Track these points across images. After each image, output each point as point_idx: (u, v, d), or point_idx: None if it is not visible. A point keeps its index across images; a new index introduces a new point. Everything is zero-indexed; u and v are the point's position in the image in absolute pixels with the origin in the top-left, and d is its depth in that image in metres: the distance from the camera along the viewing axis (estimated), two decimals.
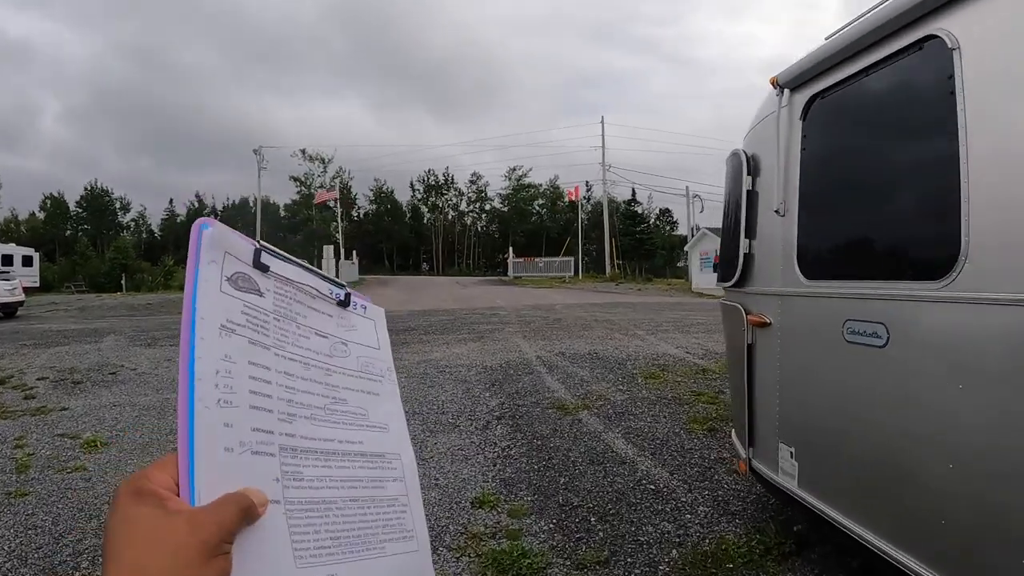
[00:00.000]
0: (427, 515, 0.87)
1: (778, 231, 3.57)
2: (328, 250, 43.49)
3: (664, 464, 5.80)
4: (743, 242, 3.90)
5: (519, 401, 8.34)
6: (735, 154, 4.19)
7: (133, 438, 6.93)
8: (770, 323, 3.65)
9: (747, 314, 3.88)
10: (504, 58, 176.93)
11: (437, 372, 10.52)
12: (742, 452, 4.27)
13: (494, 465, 5.88)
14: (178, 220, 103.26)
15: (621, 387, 9.04)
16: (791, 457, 3.56)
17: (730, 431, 6.39)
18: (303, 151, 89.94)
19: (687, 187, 57.98)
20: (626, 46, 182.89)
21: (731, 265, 4.10)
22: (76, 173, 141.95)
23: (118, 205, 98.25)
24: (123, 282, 53.18)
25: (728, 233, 4.29)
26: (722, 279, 4.39)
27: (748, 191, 3.93)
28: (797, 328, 3.44)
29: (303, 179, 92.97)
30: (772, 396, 3.71)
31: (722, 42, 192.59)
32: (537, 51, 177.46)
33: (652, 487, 5.24)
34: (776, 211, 3.52)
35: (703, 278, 40.80)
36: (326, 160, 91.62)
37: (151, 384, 9.89)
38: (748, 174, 3.95)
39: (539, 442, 6.54)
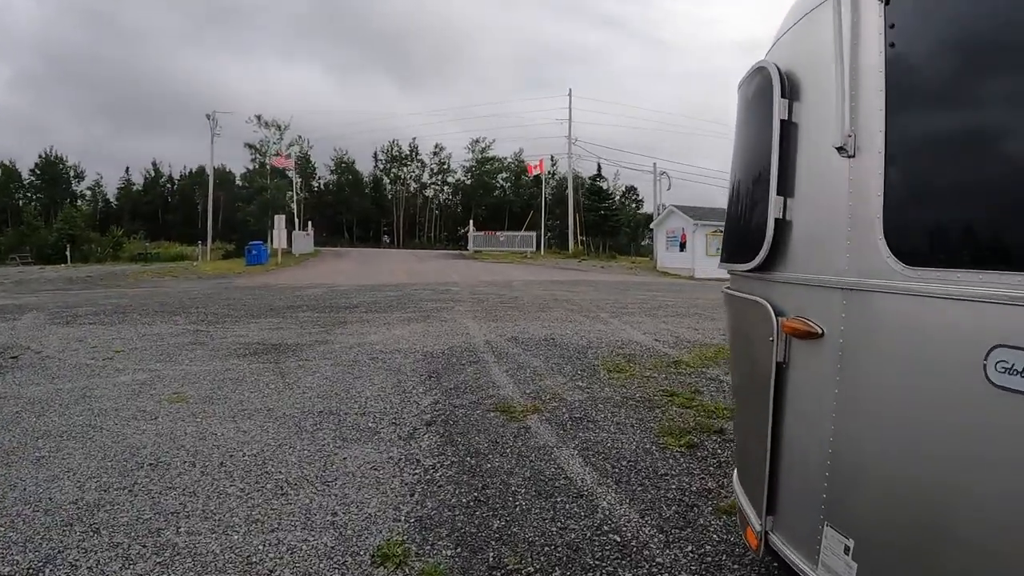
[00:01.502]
0: None
1: (841, 183, 2.17)
2: (280, 220, 41.47)
3: (632, 498, 4.41)
4: (774, 202, 2.48)
5: (457, 400, 6.92)
6: (759, 70, 2.76)
7: None
8: (822, 333, 2.25)
9: (779, 316, 2.47)
10: (467, 28, 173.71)
11: (369, 359, 9.07)
12: (753, 518, 2.87)
13: (412, 495, 4.46)
14: (134, 188, 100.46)
15: (580, 382, 7.67)
16: (845, 553, 2.18)
17: (727, 468, 5.06)
18: (258, 117, 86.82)
19: (654, 164, 56.69)
20: (592, 21, 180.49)
21: (748, 239, 2.71)
22: (29, 141, 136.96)
23: (72, 174, 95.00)
24: (68, 253, 50.85)
25: (742, 191, 2.90)
26: (731, 259, 2.99)
27: (782, 122, 2.51)
28: (879, 347, 2.04)
29: (258, 146, 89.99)
30: (817, 450, 2.33)
31: (689, 21, 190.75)
32: (501, 22, 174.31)
33: (617, 538, 3.85)
34: (840, 149, 2.11)
35: (669, 257, 39.74)
36: (282, 127, 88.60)
37: (49, 371, 8.37)
38: (783, 96, 2.53)
39: (473, 461, 5.13)
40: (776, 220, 2.47)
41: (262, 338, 10.86)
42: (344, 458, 5.21)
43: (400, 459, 5.18)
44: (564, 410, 6.52)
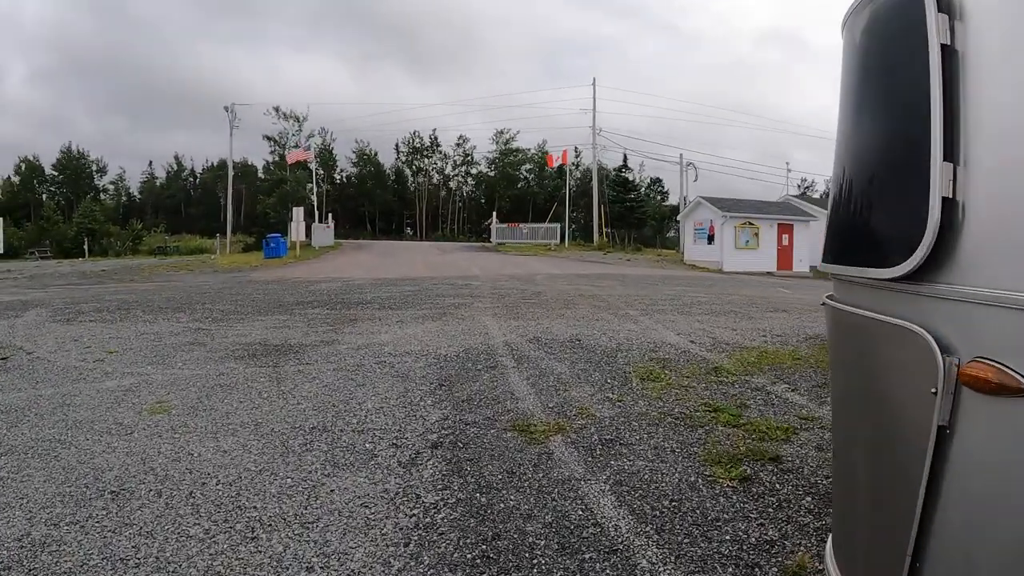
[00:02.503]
0: None
1: None
2: (298, 212, 40.65)
3: (679, 554, 3.53)
4: (940, 173, 1.57)
5: (469, 415, 6.07)
6: None
7: None
8: None
9: (946, 355, 1.56)
10: (488, 17, 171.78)
11: (376, 363, 8.25)
12: None
13: (406, 544, 3.62)
14: (157, 183, 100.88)
15: (610, 393, 6.78)
16: None
17: (789, 510, 4.15)
18: (276, 109, 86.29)
19: (680, 154, 55.49)
20: (616, 9, 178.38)
21: (884, 229, 1.84)
22: (50, 136, 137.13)
23: (95, 168, 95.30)
24: (85, 247, 50.72)
25: (867, 161, 2.01)
26: (847, 258, 2.13)
27: (944, 47, 1.60)
28: None
29: (277, 138, 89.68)
30: (1001, 558, 1.43)
31: (714, 9, 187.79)
32: (522, 12, 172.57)
33: None
34: None
35: (697, 250, 38.61)
36: (301, 118, 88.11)
37: (36, 374, 7.72)
38: (940, 10, 1.62)
39: (484, 498, 4.27)
40: (944, 200, 1.56)
41: (265, 338, 10.09)
42: (332, 490, 4.40)
43: (397, 493, 4.35)
44: (592, 429, 5.64)
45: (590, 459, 4.95)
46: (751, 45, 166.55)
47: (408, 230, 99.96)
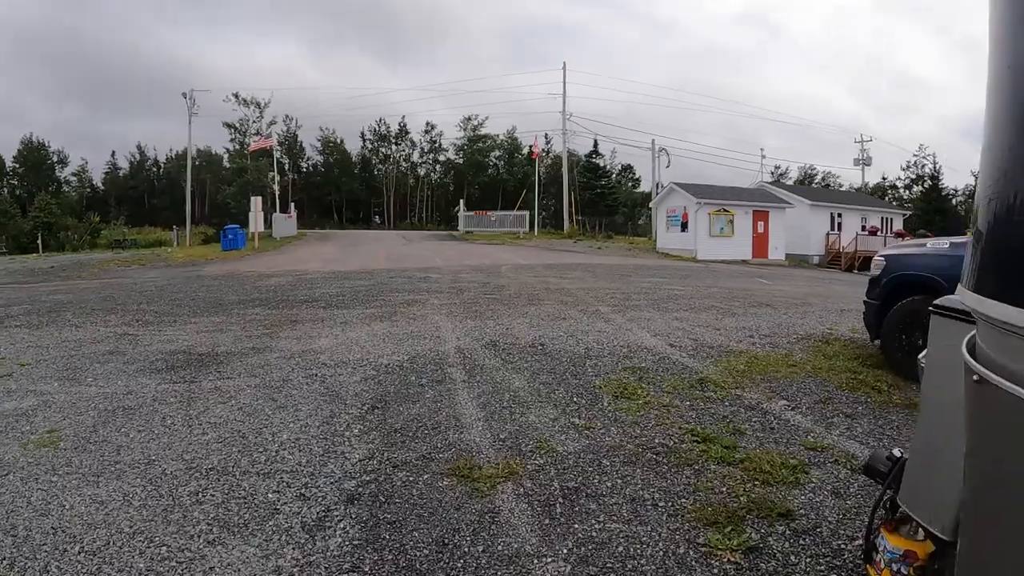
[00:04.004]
0: None
1: None
2: (256, 202, 38.68)
3: None
4: None
5: (400, 452, 4.88)
6: None
7: None
8: None
9: None
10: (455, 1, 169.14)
11: (305, 377, 7.03)
12: None
13: None
14: (120, 173, 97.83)
15: (576, 417, 5.62)
16: None
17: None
18: (236, 95, 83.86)
19: (653, 140, 54.55)
20: None
21: None
22: (9, 128, 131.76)
23: (55, 159, 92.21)
24: (39, 243, 48.70)
25: None
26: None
27: None
28: None
29: (237, 125, 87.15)
30: None
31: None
32: None
33: None
34: None
35: (670, 238, 37.67)
36: (262, 105, 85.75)
37: None
38: None
39: None
40: None
41: (191, 344, 8.81)
42: (211, 568, 3.28)
43: None
44: (552, 471, 4.47)
45: (547, 521, 3.78)
46: (725, 31, 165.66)
47: (376, 219, 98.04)
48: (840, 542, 3.53)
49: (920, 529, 2.51)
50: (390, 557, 3.43)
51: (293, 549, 3.50)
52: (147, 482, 4.35)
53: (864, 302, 7.95)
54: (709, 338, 8.99)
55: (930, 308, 2.36)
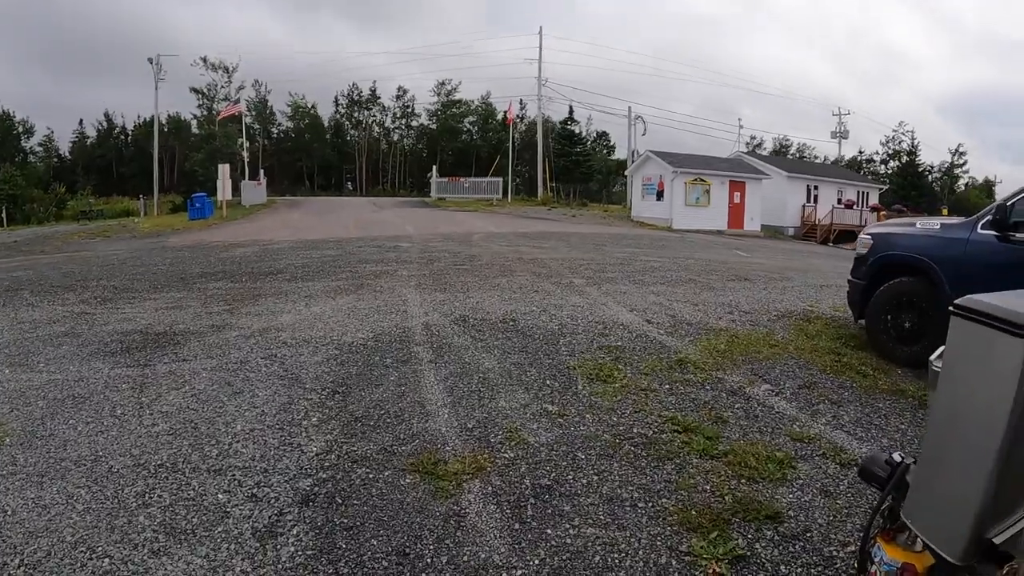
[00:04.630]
0: None
1: None
2: (224, 169, 37.59)
3: None
4: None
5: (361, 444, 4.53)
6: None
7: None
8: None
9: None
10: None
11: (264, 358, 6.64)
12: None
13: None
14: (88, 142, 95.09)
15: (549, 402, 5.30)
16: None
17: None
18: (204, 59, 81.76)
19: (629, 107, 54.06)
20: None
21: None
22: None
23: (20, 129, 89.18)
24: (3, 216, 47.35)
25: None
26: None
27: None
28: None
29: (205, 91, 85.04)
30: None
31: None
32: None
33: None
34: None
35: (645, 206, 37.37)
36: (230, 69, 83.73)
37: None
38: None
39: None
40: None
41: (150, 323, 8.35)
42: None
43: None
44: (524, 466, 4.15)
45: (517, 526, 3.46)
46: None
47: (348, 185, 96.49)
48: (832, 548, 3.26)
49: (919, 539, 2.24)
50: (346, 570, 3.11)
51: (242, 560, 3.18)
52: (92, 482, 4.00)
53: (849, 281, 7.68)
54: (687, 314, 8.70)
55: (951, 309, 2.05)
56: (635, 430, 4.71)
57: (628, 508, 3.62)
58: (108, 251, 19.82)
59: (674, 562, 3.12)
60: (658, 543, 3.28)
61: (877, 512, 2.51)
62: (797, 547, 3.25)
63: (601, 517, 3.53)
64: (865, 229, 8.18)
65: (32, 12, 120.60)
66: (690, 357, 6.52)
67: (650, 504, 3.66)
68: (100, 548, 3.27)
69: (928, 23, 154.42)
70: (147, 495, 3.82)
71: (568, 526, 3.44)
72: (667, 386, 5.68)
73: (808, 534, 3.38)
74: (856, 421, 5.02)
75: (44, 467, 4.22)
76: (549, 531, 3.40)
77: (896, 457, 2.50)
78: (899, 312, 6.76)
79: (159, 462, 4.27)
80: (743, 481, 3.91)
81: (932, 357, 2.45)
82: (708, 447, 4.37)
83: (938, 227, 6.76)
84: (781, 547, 3.25)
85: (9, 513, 3.62)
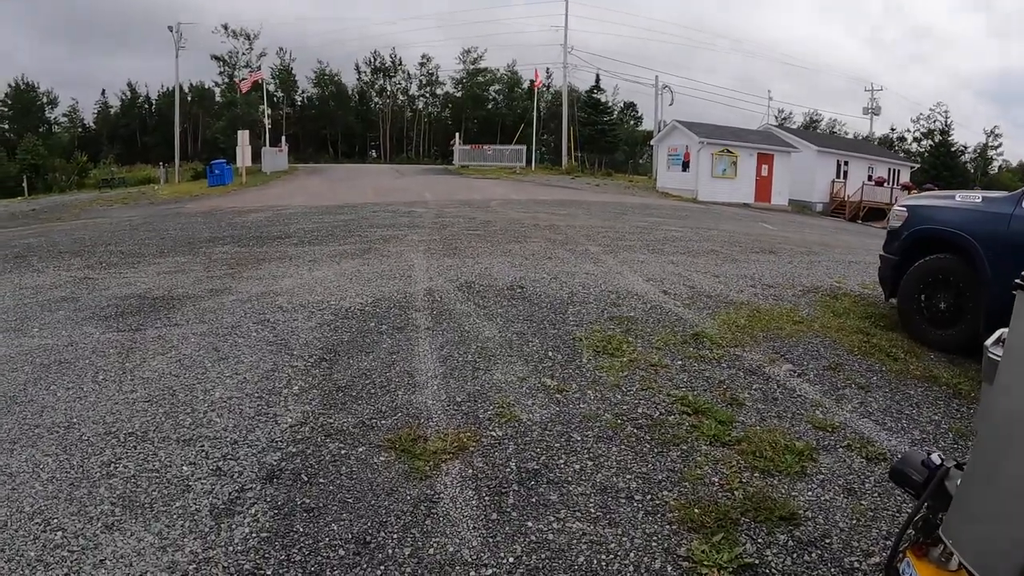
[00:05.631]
0: None
1: None
2: (243, 136, 37.09)
3: None
4: None
5: (337, 417, 4.16)
6: None
7: None
8: None
9: None
10: None
11: (256, 323, 6.31)
12: None
13: None
14: (111, 112, 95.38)
15: (548, 376, 4.87)
16: None
17: None
18: (225, 26, 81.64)
19: (656, 76, 52.94)
20: None
21: None
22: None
23: (44, 100, 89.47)
24: (24, 186, 47.62)
25: None
26: None
27: None
28: None
29: (227, 58, 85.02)
30: None
31: None
32: None
33: None
34: None
35: (670, 177, 36.63)
36: (251, 36, 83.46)
37: None
38: None
39: None
40: None
41: (149, 287, 8.07)
42: (102, 559, 2.76)
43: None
44: (511, 447, 3.74)
45: (495, 516, 3.06)
46: None
47: (372, 153, 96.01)
48: (853, 559, 2.82)
49: (955, 558, 1.90)
50: (298, 558, 2.76)
51: (194, 539, 2.89)
52: (61, 450, 3.76)
53: (880, 256, 7.12)
54: (707, 286, 8.20)
55: (1017, 282, 1.63)
56: (640, 410, 4.27)
57: (623, 501, 3.20)
58: (123, 217, 19.64)
59: (669, 568, 2.71)
60: (653, 544, 2.86)
61: (910, 522, 2.10)
62: (814, 556, 2.82)
63: (591, 510, 3.11)
64: (900, 200, 7.60)
65: None
66: (707, 331, 6.04)
67: (649, 497, 3.23)
68: (55, 520, 3.05)
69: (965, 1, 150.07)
70: (112, 465, 3.57)
71: (552, 519, 3.03)
72: (679, 362, 5.23)
73: (827, 540, 2.94)
74: (885, 409, 4.53)
75: (18, 434, 4.00)
76: (530, 524, 2.99)
77: (935, 459, 2.09)
78: (934, 291, 6.21)
79: (130, 430, 3.99)
80: (756, 474, 3.47)
81: (988, 343, 2.01)
82: (720, 432, 3.92)
83: (979, 200, 6.18)
84: (795, 555, 2.82)
85: None
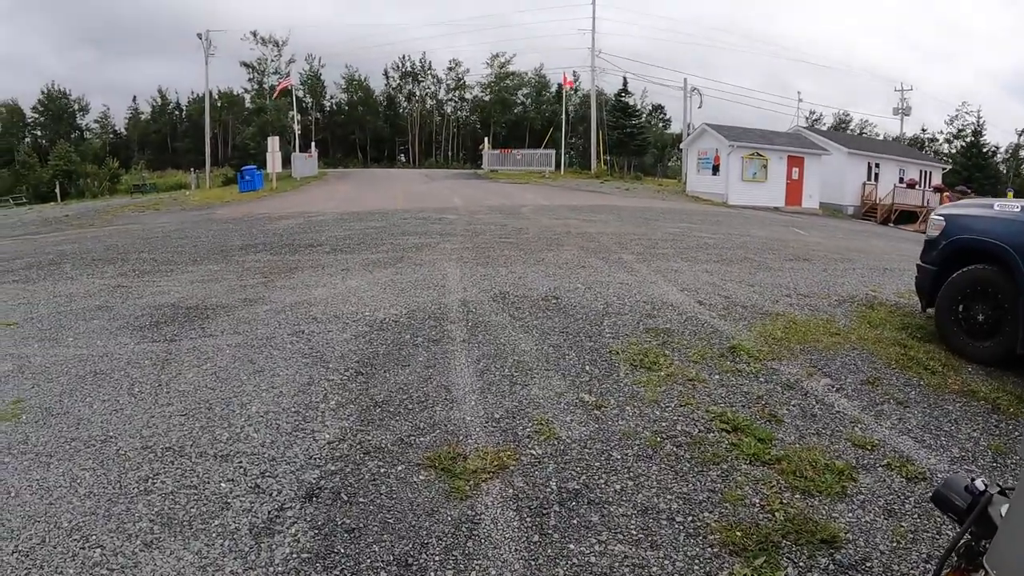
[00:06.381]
0: None
1: None
2: (273, 142, 37.56)
3: None
4: None
5: (376, 433, 4.19)
6: None
7: None
8: None
9: None
10: None
11: (292, 334, 6.37)
12: None
13: None
14: (142, 118, 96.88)
15: (586, 391, 4.87)
16: None
17: None
18: (254, 34, 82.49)
19: (685, 79, 52.68)
20: None
21: None
22: (26, 78, 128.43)
23: (76, 107, 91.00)
24: (57, 192, 48.53)
25: None
26: None
27: None
28: None
29: (256, 65, 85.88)
30: None
31: None
32: None
33: None
34: None
35: (700, 181, 36.34)
36: (280, 43, 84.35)
37: None
38: None
39: None
40: None
41: (182, 296, 8.18)
42: None
43: None
44: (551, 466, 3.75)
45: (537, 537, 3.07)
46: None
47: (401, 157, 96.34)
48: None
49: None
50: None
51: (235, 559, 2.92)
52: (98, 464, 3.82)
53: (918, 266, 7.02)
54: (742, 295, 8.15)
55: None
56: (679, 427, 4.26)
57: (664, 522, 3.20)
58: (155, 224, 19.90)
59: None
60: (695, 568, 2.86)
61: (952, 549, 2.07)
62: None
63: (633, 532, 3.12)
64: (937, 210, 7.48)
65: None
66: (743, 344, 6.01)
67: (690, 518, 3.23)
68: (94, 537, 3.09)
69: None
70: (150, 480, 3.62)
71: (594, 541, 3.04)
72: (717, 376, 5.21)
73: (867, 564, 2.92)
74: (923, 426, 4.48)
75: (54, 447, 4.06)
76: (572, 546, 3.00)
77: (979, 484, 2.06)
78: (972, 303, 6.11)
79: (167, 445, 4.04)
80: (797, 494, 3.45)
81: None
82: (759, 451, 3.90)
83: (1018, 210, 6.08)
84: None
85: (13, 494, 3.48)
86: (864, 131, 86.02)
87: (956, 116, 77.71)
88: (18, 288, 9.29)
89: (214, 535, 3.09)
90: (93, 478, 3.64)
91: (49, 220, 24.97)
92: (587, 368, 5.37)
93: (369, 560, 2.91)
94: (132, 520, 3.21)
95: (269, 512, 3.28)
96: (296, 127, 52.46)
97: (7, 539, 3.06)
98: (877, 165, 40.24)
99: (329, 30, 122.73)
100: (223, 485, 3.55)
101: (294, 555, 2.94)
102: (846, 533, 3.13)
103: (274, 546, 3.01)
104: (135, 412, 4.57)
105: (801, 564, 2.89)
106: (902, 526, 3.22)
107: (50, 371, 5.49)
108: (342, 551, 2.98)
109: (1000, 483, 2.07)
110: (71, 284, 9.39)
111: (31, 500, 3.42)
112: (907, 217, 34.58)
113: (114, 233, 17.50)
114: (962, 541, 2.06)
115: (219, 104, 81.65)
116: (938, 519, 3.20)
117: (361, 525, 3.17)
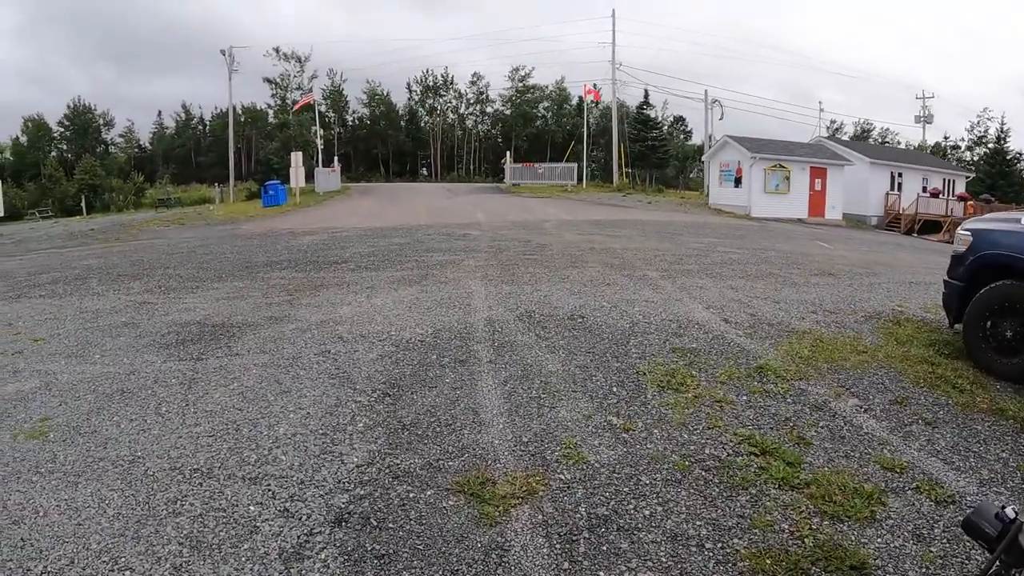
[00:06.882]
0: None
1: None
2: (296, 157, 38.06)
3: None
4: None
5: (404, 457, 4.22)
6: None
7: None
8: None
9: None
10: None
11: (318, 354, 6.43)
12: None
13: None
14: (167, 133, 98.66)
15: (614, 414, 4.88)
16: None
17: None
18: (276, 50, 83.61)
19: (705, 91, 52.62)
20: None
21: None
22: (50, 93, 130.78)
23: (101, 122, 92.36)
24: (83, 205, 49.26)
25: None
26: None
27: None
28: None
29: (279, 81, 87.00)
30: None
31: None
32: None
33: None
34: None
35: (722, 193, 36.17)
36: (303, 59, 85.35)
37: None
38: None
39: None
40: None
41: (208, 314, 8.29)
42: None
43: None
44: (580, 491, 3.76)
45: (567, 564, 3.09)
46: None
47: (423, 171, 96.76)
48: None
49: None
50: None
51: None
52: (127, 485, 3.86)
53: (945, 282, 6.95)
54: (768, 313, 8.13)
55: None
56: (707, 450, 4.26)
57: (694, 549, 3.20)
58: (180, 239, 20.13)
59: None
60: None
61: None
62: None
63: (662, 559, 3.12)
64: (964, 224, 7.40)
65: (108, 11, 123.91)
66: (770, 363, 5.98)
67: (719, 545, 3.23)
68: (123, 559, 3.12)
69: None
70: (178, 502, 3.66)
71: (624, 568, 3.05)
72: (744, 397, 5.20)
73: None
74: (952, 447, 4.44)
75: (82, 466, 4.11)
76: (602, 574, 3.01)
77: (1009, 512, 2.06)
78: (1000, 319, 6.04)
79: (195, 466, 4.09)
80: (826, 520, 3.44)
81: None
82: (788, 475, 3.89)
83: None
84: None
85: (41, 514, 3.53)
86: (886, 140, 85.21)
87: (977, 122, 76.78)
88: (45, 303, 9.46)
89: (244, 559, 3.12)
90: (121, 499, 3.68)
91: (75, 234, 25.32)
92: (614, 389, 5.37)
93: None
94: (161, 543, 3.25)
95: (299, 537, 3.31)
96: (319, 142, 52.97)
97: (36, 559, 3.11)
98: (900, 174, 39.82)
99: (351, 45, 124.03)
100: (252, 508, 3.58)
101: None
102: (875, 559, 3.12)
103: (304, 571, 3.04)
104: (163, 432, 4.63)
105: None
106: (931, 551, 3.20)
107: (77, 389, 5.58)
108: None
109: None
110: (97, 300, 9.54)
111: (59, 520, 3.47)
112: (931, 227, 34.17)
113: (140, 248, 17.74)
114: (992, 570, 2.06)
115: (242, 119, 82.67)
116: (967, 544, 3.18)
117: (391, 551, 3.20)
